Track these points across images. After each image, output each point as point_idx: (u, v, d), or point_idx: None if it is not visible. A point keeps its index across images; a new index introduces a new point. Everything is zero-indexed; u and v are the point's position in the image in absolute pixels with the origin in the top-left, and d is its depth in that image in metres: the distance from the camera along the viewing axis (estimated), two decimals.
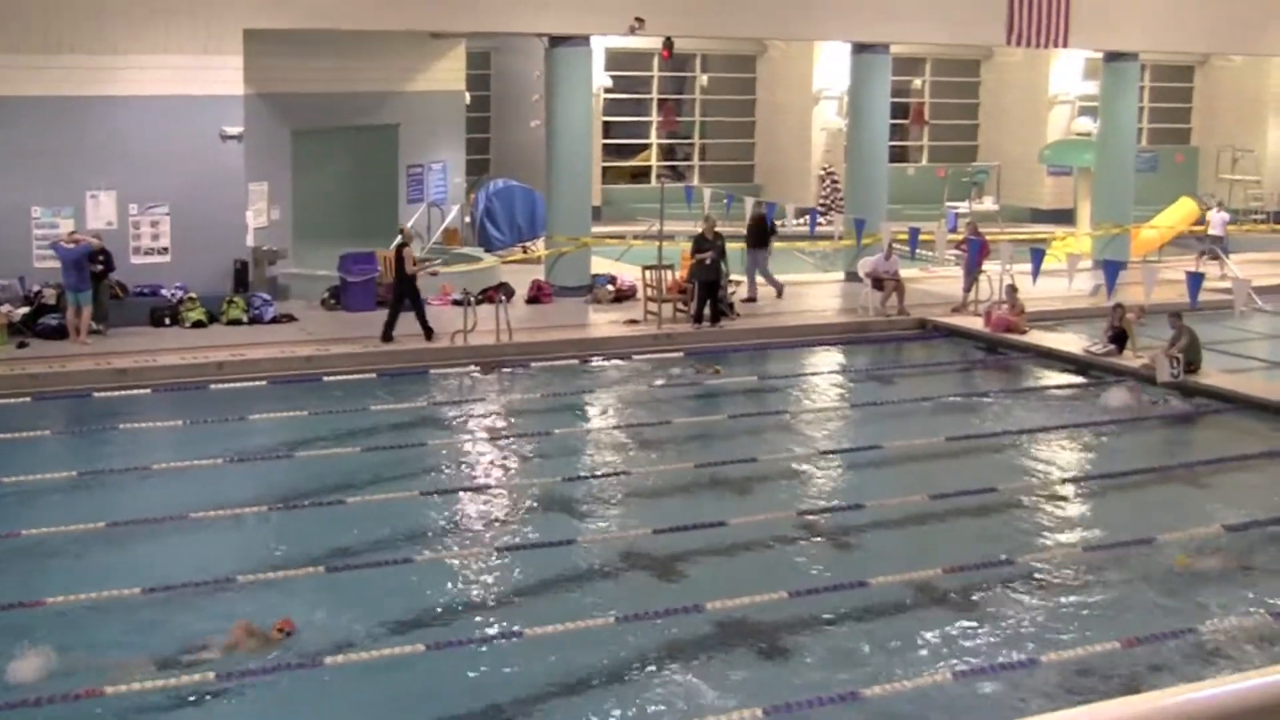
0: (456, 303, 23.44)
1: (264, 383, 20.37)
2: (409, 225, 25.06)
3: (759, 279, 26.76)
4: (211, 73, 23.47)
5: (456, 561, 13.52)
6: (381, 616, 11.96)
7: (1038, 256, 24.96)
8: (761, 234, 26.84)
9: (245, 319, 23.21)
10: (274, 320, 23.38)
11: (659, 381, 21.32)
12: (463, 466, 16.92)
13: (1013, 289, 24.49)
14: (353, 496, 15.30)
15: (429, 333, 22.29)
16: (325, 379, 20.62)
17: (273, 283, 24.76)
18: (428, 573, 13.13)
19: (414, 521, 14.55)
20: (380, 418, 18.76)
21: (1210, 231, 32.67)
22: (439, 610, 12.29)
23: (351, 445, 17.41)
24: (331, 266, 25.08)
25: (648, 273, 24.91)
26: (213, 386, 20.12)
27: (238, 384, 20.22)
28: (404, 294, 22.28)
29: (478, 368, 21.61)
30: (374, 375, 20.92)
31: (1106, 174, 32.19)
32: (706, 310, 24.13)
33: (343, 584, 12.78)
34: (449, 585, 12.89)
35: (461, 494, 15.72)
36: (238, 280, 23.95)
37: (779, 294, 26.81)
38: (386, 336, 22.06)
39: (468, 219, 31.48)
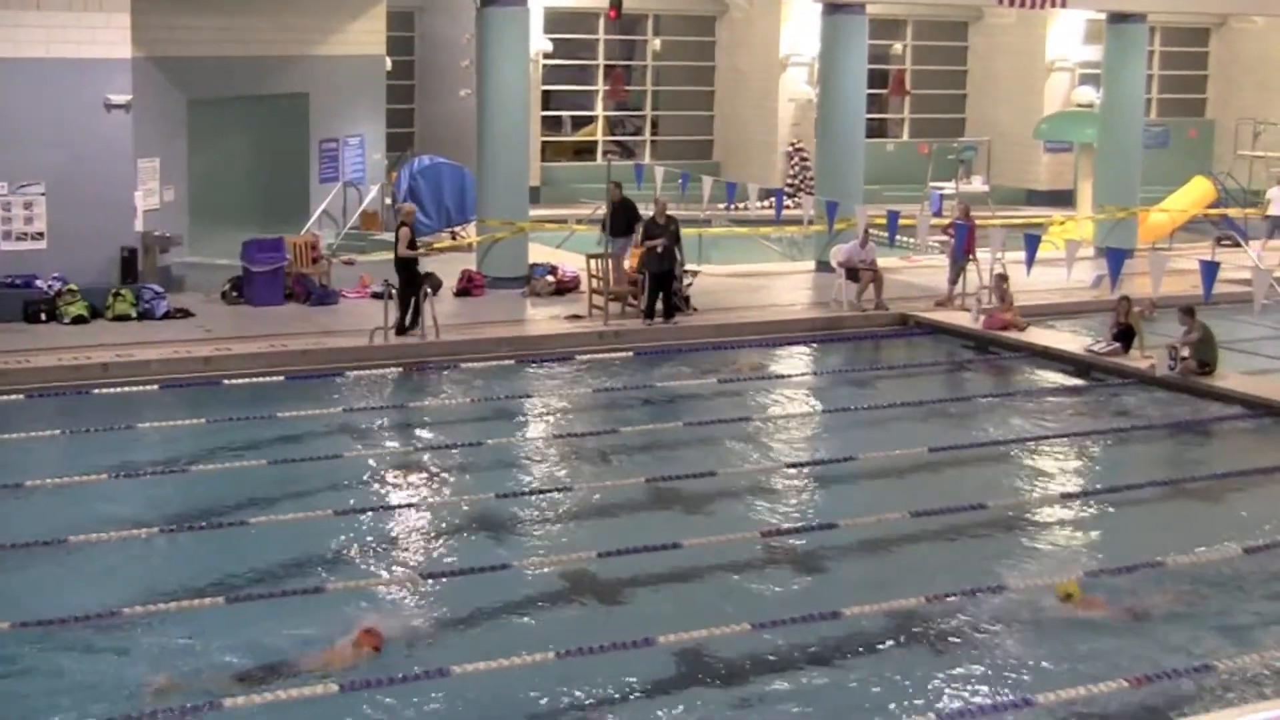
0: (376, 295, 23.37)
1: (155, 387, 20.28)
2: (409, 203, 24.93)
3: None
4: (95, 32, 23.26)
5: (376, 590, 13.48)
6: (289, 652, 11.91)
7: (1033, 243, 25.08)
8: (627, 218, 25.52)
9: (134, 314, 23.08)
10: (167, 315, 23.26)
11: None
12: (383, 482, 16.88)
13: (1003, 278, 24.61)
14: (257, 516, 15.24)
15: (401, 325, 22.41)
16: (226, 382, 20.53)
17: (165, 273, 24.64)
18: (342, 602, 13.06)
19: (327, 544, 14.50)
20: (289, 426, 18.70)
21: (1271, 212, 33.00)
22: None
23: (256, 458, 17.35)
24: (233, 254, 25.01)
25: (592, 262, 24.93)
26: (96, 391, 19.98)
27: (125, 388, 20.11)
28: (410, 280, 22.52)
29: (401, 369, 21.60)
30: (282, 378, 20.86)
31: (1111, 150, 32.42)
32: (659, 305, 24.17)
33: (245, 616, 12.71)
34: (366, 617, 12.82)
35: (381, 513, 15.67)
36: (125, 270, 23.79)
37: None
38: (411, 327, 22.36)
39: (389, 200, 31.41)
